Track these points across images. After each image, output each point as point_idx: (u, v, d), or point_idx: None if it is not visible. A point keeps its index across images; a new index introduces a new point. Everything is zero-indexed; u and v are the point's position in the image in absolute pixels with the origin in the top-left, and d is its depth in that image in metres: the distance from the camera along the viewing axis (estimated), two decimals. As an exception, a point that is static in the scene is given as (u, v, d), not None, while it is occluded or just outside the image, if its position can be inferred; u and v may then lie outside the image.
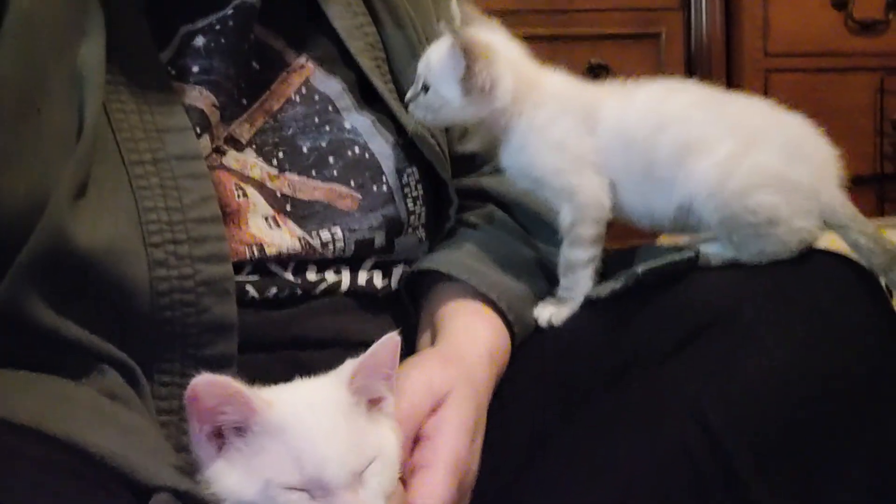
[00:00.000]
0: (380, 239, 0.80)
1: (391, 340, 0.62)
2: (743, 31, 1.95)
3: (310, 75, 0.82)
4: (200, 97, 0.75)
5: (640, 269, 0.71)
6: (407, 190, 0.82)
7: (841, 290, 0.67)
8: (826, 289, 0.67)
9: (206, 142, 0.74)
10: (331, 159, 0.79)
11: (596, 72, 1.85)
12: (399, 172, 0.82)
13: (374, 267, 0.81)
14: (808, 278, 0.68)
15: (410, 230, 0.83)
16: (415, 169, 0.83)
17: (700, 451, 0.63)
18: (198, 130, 0.73)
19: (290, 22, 0.84)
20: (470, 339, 0.76)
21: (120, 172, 0.68)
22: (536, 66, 0.81)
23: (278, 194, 0.77)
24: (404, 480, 0.64)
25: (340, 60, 0.84)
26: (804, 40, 1.96)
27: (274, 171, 0.78)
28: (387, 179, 0.81)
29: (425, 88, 0.77)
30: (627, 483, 0.65)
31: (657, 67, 1.91)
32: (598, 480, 0.67)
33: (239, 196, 0.74)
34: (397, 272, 0.83)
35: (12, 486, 0.51)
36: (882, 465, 0.64)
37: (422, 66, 0.78)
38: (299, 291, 0.76)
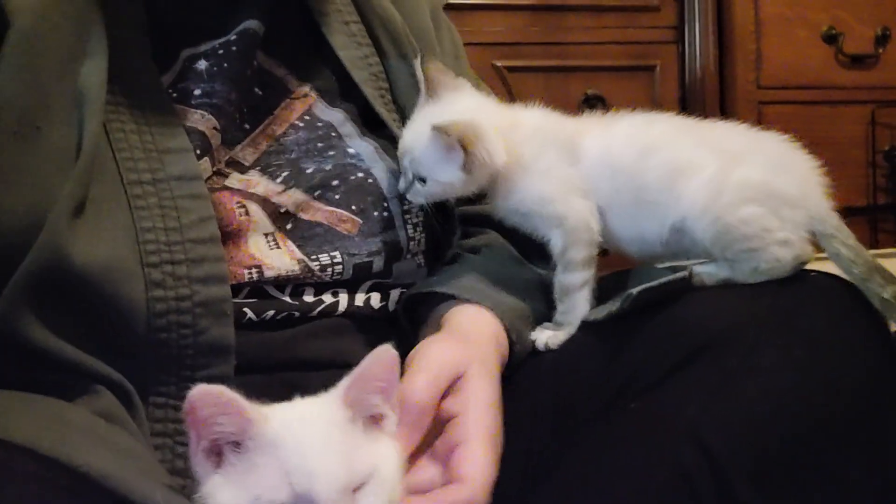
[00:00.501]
0: (378, 263, 0.81)
1: (386, 353, 0.62)
2: (736, 64, 1.98)
3: (312, 104, 0.84)
4: (202, 120, 0.75)
5: (635, 290, 0.71)
6: (408, 216, 0.83)
7: (839, 312, 0.68)
8: (824, 310, 0.67)
9: (206, 164, 0.74)
10: (334, 182, 0.80)
11: (591, 103, 1.87)
12: (400, 199, 0.83)
13: (372, 289, 0.81)
14: (805, 300, 0.68)
15: (409, 256, 0.83)
16: None
17: (699, 473, 0.63)
18: (198, 152, 0.73)
19: (294, 51, 0.85)
20: (476, 328, 0.76)
21: (118, 192, 0.68)
22: (510, 109, 0.82)
23: (281, 210, 0.77)
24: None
25: (342, 91, 0.85)
26: (796, 74, 1.99)
27: (280, 188, 0.78)
28: (388, 205, 0.82)
29: (421, 180, 0.78)
30: None
31: (652, 99, 1.94)
32: None
33: (240, 215, 0.75)
34: (395, 294, 0.84)
35: (4, 501, 0.51)
36: (883, 488, 0.64)
37: (406, 160, 0.78)
38: (297, 314, 0.77)
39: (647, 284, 0.71)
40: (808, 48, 1.99)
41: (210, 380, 0.67)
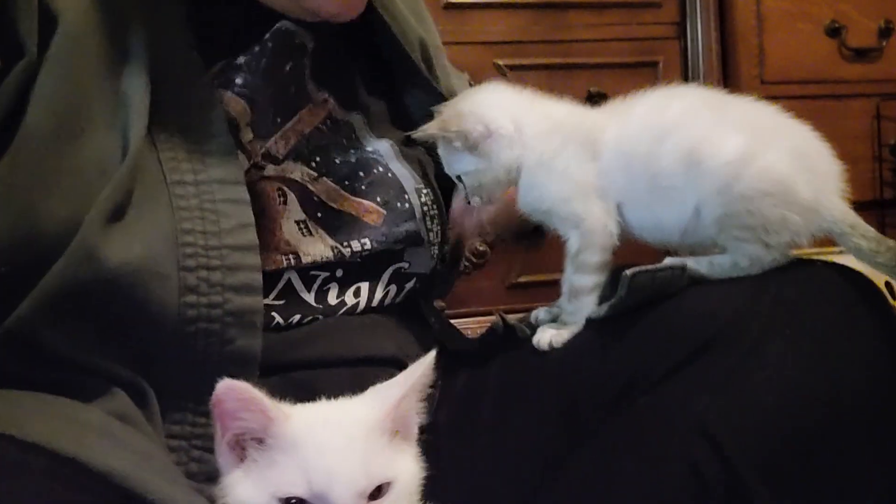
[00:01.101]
0: (401, 249, 0.84)
1: (431, 359, 0.62)
2: (739, 59, 1.97)
3: (332, 108, 0.85)
4: (244, 112, 0.76)
5: (628, 272, 0.71)
6: (425, 209, 0.85)
7: (844, 302, 0.67)
8: (829, 300, 0.67)
9: (241, 157, 0.74)
10: (360, 174, 0.82)
11: (595, 100, 1.86)
12: (417, 192, 0.84)
13: (391, 281, 0.82)
14: (810, 290, 0.68)
15: (428, 245, 0.85)
16: (430, 190, 0.85)
17: (708, 467, 0.62)
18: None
19: (323, 62, 0.85)
20: None
21: (161, 192, 0.67)
22: (537, 98, 0.82)
23: (314, 199, 0.78)
24: None
25: (354, 99, 0.86)
26: (799, 68, 1.98)
27: (314, 174, 0.79)
28: (408, 198, 0.83)
29: (458, 179, 0.80)
30: None
31: (655, 96, 1.93)
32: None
33: (279, 203, 0.76)
34: (409, 286, 0.85)
35: (19, 496, 0.51)
36: (893, 479, 0.63)
37: (447, 169, 0.81)
38: (320, 317, 0.77)
39: (641, 267, 0.71)
40: (812, 42, 1.98)
41: None
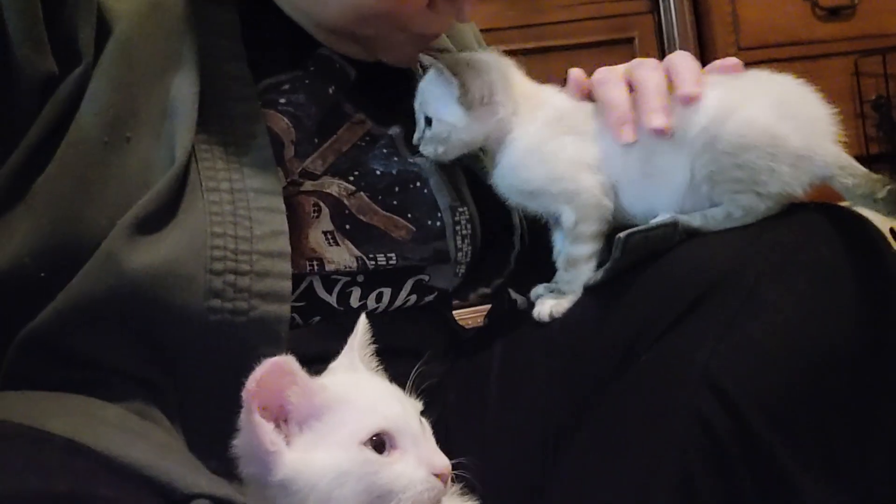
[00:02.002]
0: (426, 263, 0.83)
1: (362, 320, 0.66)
2: (713, 27, 1.97)
3: (370, 128, 0.84)
4: (287, 129, 0.75)
5: (622, 234, 0.70)
6: (458, 227, 0.83)
7: (840, 241, 0.66)
8: (825, 241, 0.66)
9: (280, 174, 0.74)
10: (396, 189, 0.80)
11: (574, 81, 1.86)
12: (452, 210, 0.83)
13: (413, 291, 0.82)
14: (805, 232, 0.67)
15: (454, 263, 0.84)
16: (466, 209, 0.84)
17: (717, 417, 0.62)
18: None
19: (363, 84, 0.85)
20: None
21: (196, 198, 0.66)
22: (532, 82, 0.81)
23: (346, 212, 0.78)
24: None
25: (391, 117, 0.85)
26: (774, 31, 1.98)
27: (351, 188, 0.78)
28: (441, 216, 0.82)
29: (428, 122, 0.77)
30: (650, 464, 0.64)
31: (634, 71, 1.93)
32: (621, 468, 0.66)
33: (312, 215, 0.75)
34: (428, 299, 0.84)
35: (37, 464, 0.50)
36: None
37: (417, 104, 0.78)
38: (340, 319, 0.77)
39: (634, 228, 0.70)
40: (785, 5, 1.98)
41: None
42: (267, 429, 0.56)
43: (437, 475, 0.58)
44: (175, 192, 0.65)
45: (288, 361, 0.56)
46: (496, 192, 0.80)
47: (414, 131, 0.81)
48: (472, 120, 0.76)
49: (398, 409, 0.59)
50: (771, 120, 0.70)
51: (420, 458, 0.58)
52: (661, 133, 0.71)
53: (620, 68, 0.78)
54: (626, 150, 0.75)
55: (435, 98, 0.76)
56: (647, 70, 0.75)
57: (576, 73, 0.80)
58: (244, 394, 0.56)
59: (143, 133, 0.66)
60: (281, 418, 0.57)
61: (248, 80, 0.73)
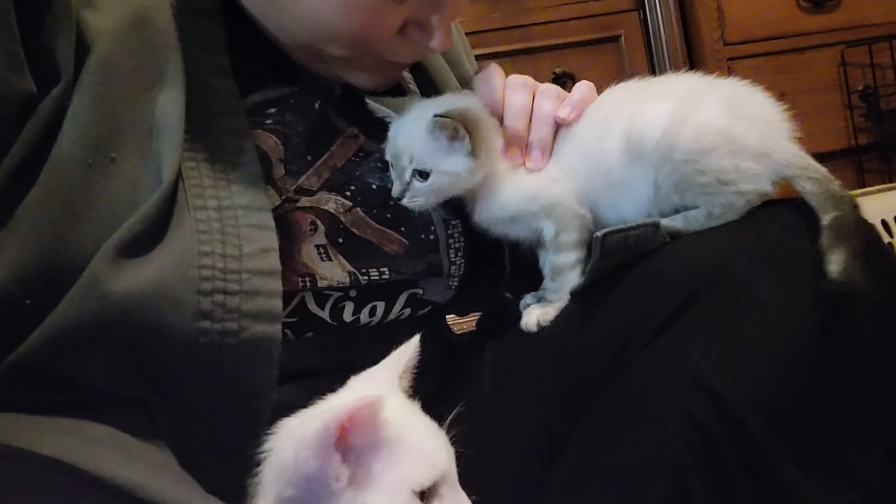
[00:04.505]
0: (419, 277, 0.82)
1: (415, 341, 0.63)
2: (699, 23, 1.97)
3: (364, 143, 0.83)
4: (275, 147, 0.75)
5: (599, 233, 0.70)
6: (451, 241, 0.83)
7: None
8: (812, 236, 0.65)
9: (271, 193, 0.73)
10: (391, 202, 0.79)
11: (561, 81, 1.86)
12: (445, 223, 0.82)
13: (406, 305, 0.81)
14: (792, 226, 0.66)
15: (447, 277, 0.83)
16: (459, 222, 0.84)
17: (710, 418, 0.61)
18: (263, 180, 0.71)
19: (350, 97, 0.85)
20: None
21: (183, 217, 0.65)
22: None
23: (340, 226, 0.77)
24: None
25: (385, 131, 0.84)
26: (760, 25, 1.98)
27: (348, 204, 0.78)
28: (434, 229, 0.82)
29: (422, 175, 0.76)
30: (644, 466, 0.64)
31: (620, 69, 1.93)
32: (615, 471, 0.66)
33: (308, 231, 0.74)
34: (422, 312, 0.84)
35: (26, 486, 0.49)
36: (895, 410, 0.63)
37: (404, 160, 0.77)
38: (334, 334, 0.77)
39: (612, 228, 0.70)
40: (769, -2, 1.99)
41: (241, 419, 0.64)
42: (337, 463, 0.53)
43: None
44: (163, 212, 0.64)
45: (380, 401, 0.54)
46: (478, 228, 0.81)
47: None
48: (476, 167, 0.76)
49: (447, 457, 0.58)
50: (725, 122, 0.71)
51: None
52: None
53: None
54: (584, 164, 0.76)
55: (433, 151, 0.76)
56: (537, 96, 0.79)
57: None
58: (327, 422, 0.52)
59: (128, 153, 0.65)
60: (344, 450, 0.55)
61: (234, 96, 0.72)
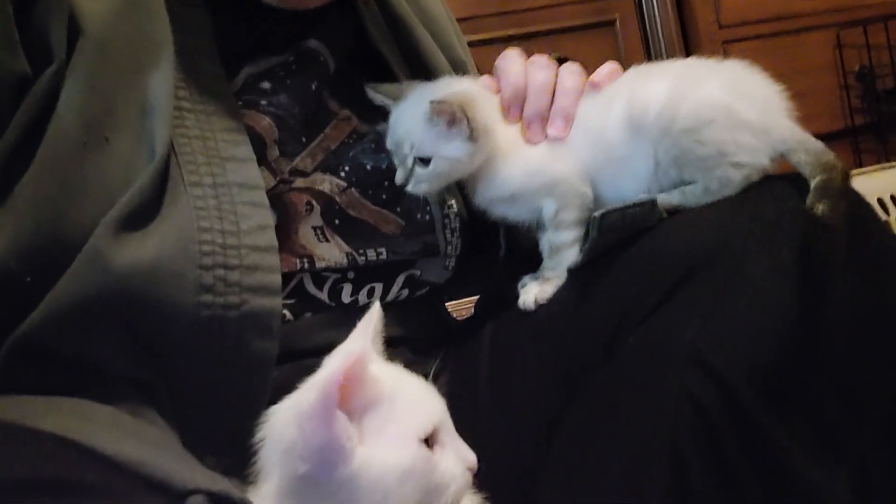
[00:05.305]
0: (416, 257, 0.83)
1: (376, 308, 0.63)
2: (695, 6, 1.97)
3: (356, 126, 0.84)
4: (269, 129, 0.75)
5: (597, 213, 0.70)
6: (447, 220, 0.84)
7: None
8: (805, 211, 0.65)
9: (266, 174, 0.74)
10: (386, 183, 0.80)
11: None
12: (441, 204, 0.83)
13: (404, 286, 0.82)
14: (788, 203, 0.66)
15: (444, 257, 0.84)
16: (454, 202, 0.84)
17: (706, 394, 0.61)
18: (257, 160, 0.72)
19: (342, 77, 0.85)
20: None
21: (179, 193, 0.66)
22: (495, 97, 0.82)
23: (336, 207, 0.78)
24: None
25: (377, 112, 0.84)
26: (756, 8, 1.98)
27: (343, 184, 0.78)
28: (430, 209, 0.82)
29: (423, 162, 0.76)
30: (641, 444, 0.64)
31: (616, 53, 1.93)
32: (612, 449, 0.66)
33: (305, 212, 0.75)
34: (420, 293, 0.84)
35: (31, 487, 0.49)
36: (890, 383, 0.63)
37: (405, 147, 0.77)
38: (332, 315, 0.77)
39: (610, 207, 0.70)
40: (764, -20, 1.99)
41: (243, 390, 0.65)
42: (345, 422, 0.53)
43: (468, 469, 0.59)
44: (158, 186, 0.65)
45: (368, 350, 0.55)
46: (477, 210, 0.81)
47: None
48: (476, 150, 0.76)
49: (440, 406, 0.59)
50: (725, 97, 0.71)
51: (456, 452, 0.58)
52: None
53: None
54: (586, 141, 0.76)
55: (437, 138, 0.76)
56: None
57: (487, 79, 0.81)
58: (326, 386, 0.52)
59: (122, 133, 0.66)
60: (347, 412, 0.54)
61: (222, 77, 0.73)
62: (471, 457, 0.59)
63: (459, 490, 0.57)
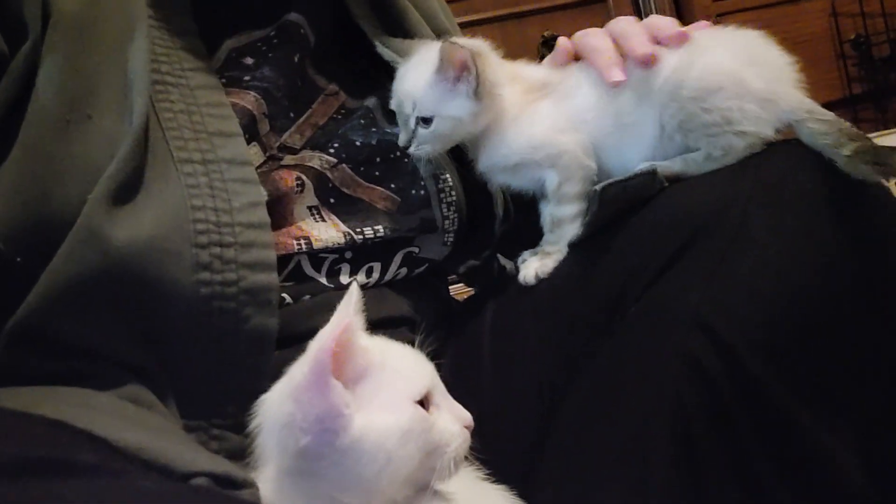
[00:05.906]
0: (414, 234, 0.82)
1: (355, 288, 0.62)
2: (688, -21, 1.96)
3: (344, 100, 0.83)
4: (255, 102, 0.75)
5: (598, 186, 0.70)
6: (442, 195, 0.83)
7: (824, 176, 0.65)
8: (809, 176, 0.65)
9: (256, 150, 0.74)
10: (377, 159, 0.80)
11: (550, 45, 1.85)
12: (435, 178, 0.83)
13: (402, 264, 0.82)
14: (789, 168, 0.66)
15: (442, 232, 0.83)
16: (448, 176, 0.84)
17: (710, 358, 0.61)
18: (246, 136, 0.72)
19: (326, 51, 0.84)
20: None
21: (169, 171, 0.65)
22: (505, 61, 0.81)
23: (329, 185, 0.77)
24: None
25: (367, 88, 0.84)
26: (749, -22, 1.97)
27: (333, 160, 0.78)
28: (424, 184, 0.82)
29: (425, 121, 0.76)
30: (646, 409, 0.64)
31: (610, 30, 1.91)
32: (617, 416, 0.66)
33: (297, 190, 0.75)
34: (419, 271, 0.84)
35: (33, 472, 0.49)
36: (893, 347, 0.63)
37: (407, 107, 0.76)
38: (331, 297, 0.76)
39: (611, 180, 0.70)
40: (758, -50, 1.97)
41: (247, 368, 0.65)
42: (341, 390, 0.54)
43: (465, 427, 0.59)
44: (139, 156, 0.64)
45: (355, 320, 0.55)
46: (478, 176, 0.80)
47: (385, 102, 0.79)
48: (480, 110, 0.75)
49: (430, 369, 0.59)
50: (734, 65, 0.71)
51: (452, 412, 0.59)
52: (647, 64, 0.73)
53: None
54: (598, 103, 0.75)
55: (440, 95, 0.75)
56: (624, 22, 0.78)
57: (562, 39, 0.80)
58: (318, 356, 0.52)
59: (104, 110, 0.65)
60: (340, 380, 0.55)
61: (202, 51, 0.73)
62: (466, 415, 0.59)
63: (460, 448, 0.57)
